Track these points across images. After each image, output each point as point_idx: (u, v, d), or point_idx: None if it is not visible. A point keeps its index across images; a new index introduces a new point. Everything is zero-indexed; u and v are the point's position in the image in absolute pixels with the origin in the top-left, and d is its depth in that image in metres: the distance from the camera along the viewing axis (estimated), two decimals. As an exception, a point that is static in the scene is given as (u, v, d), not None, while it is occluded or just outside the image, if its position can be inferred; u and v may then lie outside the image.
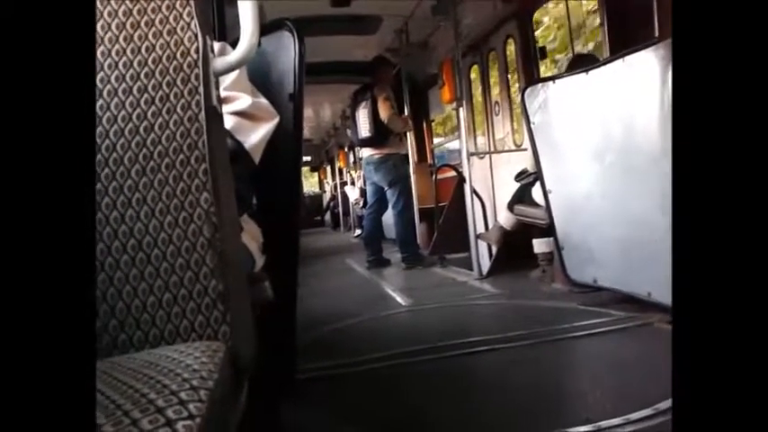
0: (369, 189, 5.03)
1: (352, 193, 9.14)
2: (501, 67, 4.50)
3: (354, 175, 9.54)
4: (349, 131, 4.94)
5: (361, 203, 8.39)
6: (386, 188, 4.70)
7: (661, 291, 2.23)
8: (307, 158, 14.58)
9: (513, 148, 4.40)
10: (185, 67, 0.82)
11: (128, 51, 0.82)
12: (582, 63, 2.94)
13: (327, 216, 12.80)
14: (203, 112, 0.80)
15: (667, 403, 1.46)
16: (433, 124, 6.87)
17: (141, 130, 0.80)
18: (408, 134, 5.49)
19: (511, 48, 4.35)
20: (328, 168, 13.46)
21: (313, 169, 15.78)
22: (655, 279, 2.26)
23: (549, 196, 2.83)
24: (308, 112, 9.31)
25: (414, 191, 5.31)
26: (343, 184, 10.48)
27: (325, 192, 14.32)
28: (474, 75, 5.34)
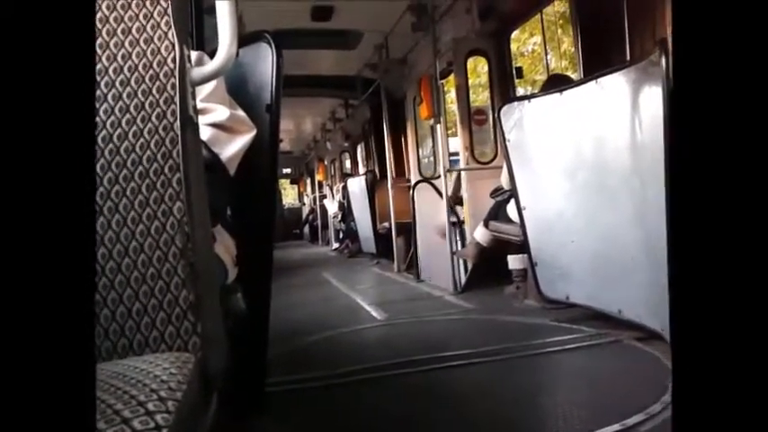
0: None
1: (331, 207, 9.11)
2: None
3: (333, 188, 9.53)
4: None
5: (339, 217, 8.38)
6: None
7: (631, 308, 2.27)
8: (287, 171, 14.53)
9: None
10: (161, 76, 0.82)
11: (103, 59, 0.82)
12: (557, 83, 3.01)
13: (306, 229, 12.72)
14: (178, 122, 0.80)
15: (635, 419, 1.49)
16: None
17: (115, 138, 0.80)
18: (387, 150, 5.54)
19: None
20: (308, 181, 13.42)
21: (293, 182, 15.71)
22: (625, 296, 2.31)
23: (524, 213, 2.87)
24: (288, 125, 9.30)
25: (391, 206, 5.33)
26: (323, 197, 10.45)
27: (304, 204, 14.25)
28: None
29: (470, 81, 4.32)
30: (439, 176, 3.98)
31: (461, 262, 3.88)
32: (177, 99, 0.81)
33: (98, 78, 0.81)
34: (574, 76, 3.58)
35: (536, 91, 3.81)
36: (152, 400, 0.55)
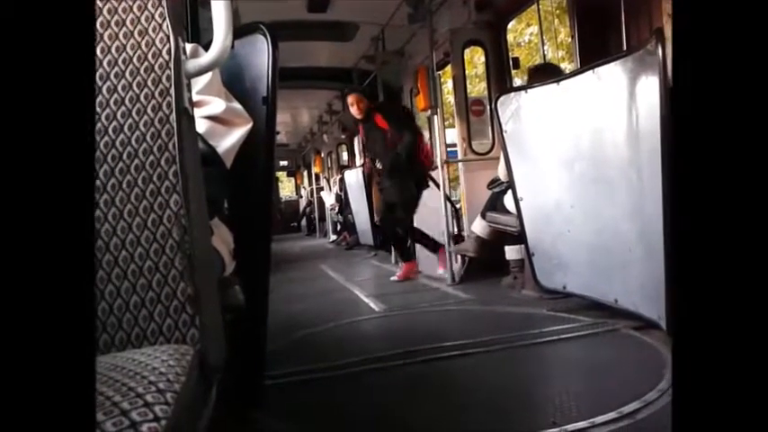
0: None
1: (329, 199, 9.10)
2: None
3: (331, 180, 9.52)
4: None
5: (337, 209, 8.38)
6: None
7: (627, 297, 2.28)
8: (283, 163, 14.49)
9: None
10: (156, 68, 0.81)
11: (97, 51, 0.82)
12: (542, 72, 3.00)
13: (304, 222, 12.71)
14: (174, 114, 0.80)
15: (632, 406, 1.50)
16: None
17: (110, 131, 0.80)
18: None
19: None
20: (305, 173, 13.39)
21: (289, 174, 15.68)
22: (621, 286, 2.32)
23: (521, 204, 2.87)
24: (285, 117, 9.26)
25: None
26: (320, 189, 10.43)
27: (301, 197, 14.23)
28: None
29: (467, 72, 4.31)
30: (436, 168, 3.98)
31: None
32: (173, 91, 0.80)
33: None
34: (570, 67, 3.57)
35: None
36: (150, 391, 0.56)
